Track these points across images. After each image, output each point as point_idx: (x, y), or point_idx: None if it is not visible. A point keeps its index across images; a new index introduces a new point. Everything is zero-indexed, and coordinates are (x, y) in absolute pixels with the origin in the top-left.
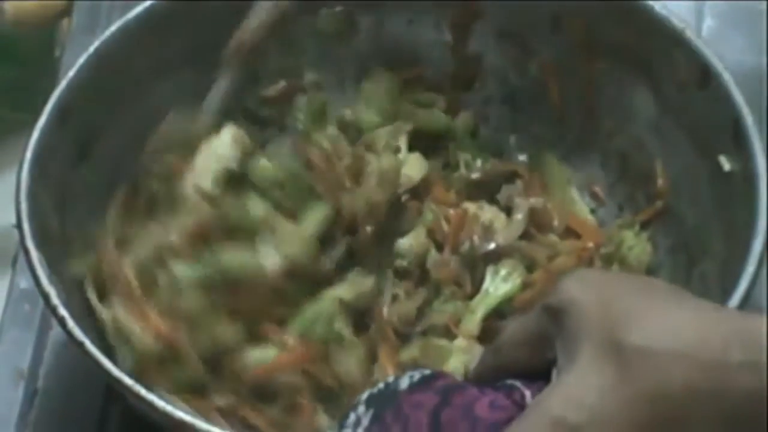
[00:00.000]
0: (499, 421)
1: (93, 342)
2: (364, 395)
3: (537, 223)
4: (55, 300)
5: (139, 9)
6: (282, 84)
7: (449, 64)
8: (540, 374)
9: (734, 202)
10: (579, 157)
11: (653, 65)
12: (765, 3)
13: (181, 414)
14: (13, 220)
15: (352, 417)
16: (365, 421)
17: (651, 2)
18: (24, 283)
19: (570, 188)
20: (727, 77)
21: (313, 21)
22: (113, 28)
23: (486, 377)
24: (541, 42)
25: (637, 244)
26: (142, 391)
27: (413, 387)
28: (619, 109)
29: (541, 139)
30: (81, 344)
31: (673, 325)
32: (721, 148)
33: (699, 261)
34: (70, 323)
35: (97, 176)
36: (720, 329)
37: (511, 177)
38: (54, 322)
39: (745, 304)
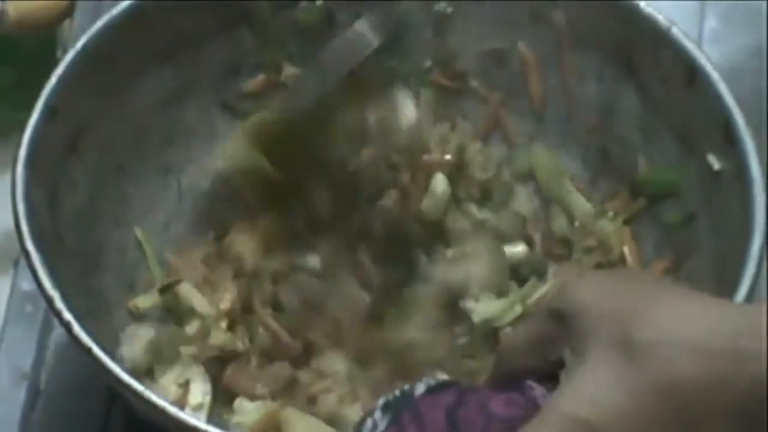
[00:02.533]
0: (515, 416)
1: (96, 342)
2: (380, 402)
3: None
4: (59, 304)
5: (124, 5)
6: (261, 78)
7: (429, 58)
8: (547, 375)
9: (725, 201)
10: (559, 152)
11: (637, 62)
12: (765, 4)
13: (186, 417)
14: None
15: (369, 423)
16: (382, 425)
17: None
18: (26, 284)
19: (565, 179)
20: (715, 76)
21: (292, 15)
22: (99, 23)
23: (497, 384)
24: (522, 36)
25: (614, 231)
26: (148, 394)
27: (429, 391)
28: (602, 105)
29: (522, 133)
30: (89, 349)
31: (682, 318)
32: (710, 146)
33: (686, 258)
34: (76, 327)
35: (85, 173)
36: (729, 320)
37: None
38: (56, 323)
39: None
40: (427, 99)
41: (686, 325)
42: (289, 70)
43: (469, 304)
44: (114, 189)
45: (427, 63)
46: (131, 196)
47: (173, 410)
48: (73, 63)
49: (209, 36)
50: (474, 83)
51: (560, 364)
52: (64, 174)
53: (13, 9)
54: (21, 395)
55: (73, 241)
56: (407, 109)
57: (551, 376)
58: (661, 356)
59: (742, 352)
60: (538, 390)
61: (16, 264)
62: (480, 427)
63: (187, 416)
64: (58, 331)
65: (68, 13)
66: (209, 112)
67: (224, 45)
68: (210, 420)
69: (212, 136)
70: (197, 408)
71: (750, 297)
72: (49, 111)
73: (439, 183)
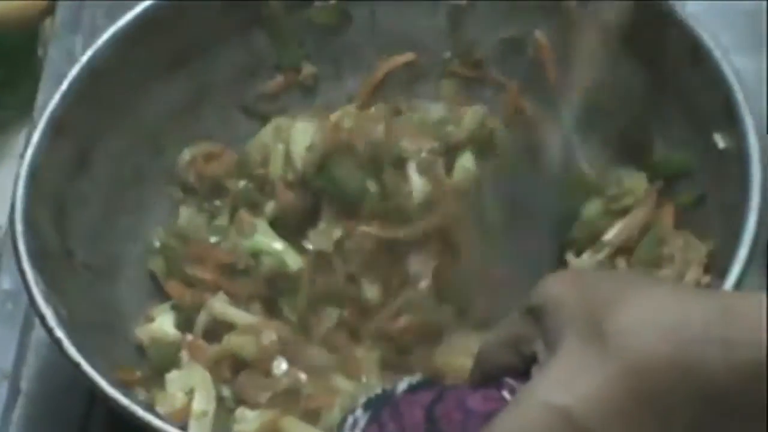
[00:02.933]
0: (493, 411)
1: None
2: (362, 399)
3: None
4: (51, 322)
5: (129, 15)
6: (279, 78)
7: (446, 50)
8: (524, 373)
9: (729, 181)
10: (578, 137)
11: (646, 43)
12: (756, 3)
13: (169, 428)
14: None
15: (350, 420)
16: (362, 422)
17: None
18: (7, 283)
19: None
20: (718, 54)
21: (307, 14)
22: (105, 36)
23: (475, 383)
24: (537, 23)
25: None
26: (134, 408)
27: (410, 389)
28: (616, 88)
29: (540, 119)
30: (77, 365)
31: (653, 306)
32: (716, 125)
33: (699, 240)
34: (66, 344)
35: (97, 186)
36: (700, 307)
37: None
38: (37, 323)
39: (739, 285)
40: (448, 89)
41: (657, 313)
42: (309, 69)
43: None
44: (131, 198)
45: (447, 54)
46: (150, 205)
47: (158, 422)
48: (78, 78)
49: (223, 40)
50: (493, 72)
51: (535, 360)
52: (72, 189)
53: None
54: (1, 394)
55: (85, 255)
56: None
57: (527, 373)
58: (635, 343)
59: (713, 340)
60: (515, 386)
61: None
62: (459, 422)
63: (171, 428)
64: (39, 331)
65: (49, 11)
66: (228, 115)
67: (239, 48)
68: (214, 429)
69: (233, 139)
70: (201, 416)
71: (741, 280)
72: (54, 128)
73: (467, 160)
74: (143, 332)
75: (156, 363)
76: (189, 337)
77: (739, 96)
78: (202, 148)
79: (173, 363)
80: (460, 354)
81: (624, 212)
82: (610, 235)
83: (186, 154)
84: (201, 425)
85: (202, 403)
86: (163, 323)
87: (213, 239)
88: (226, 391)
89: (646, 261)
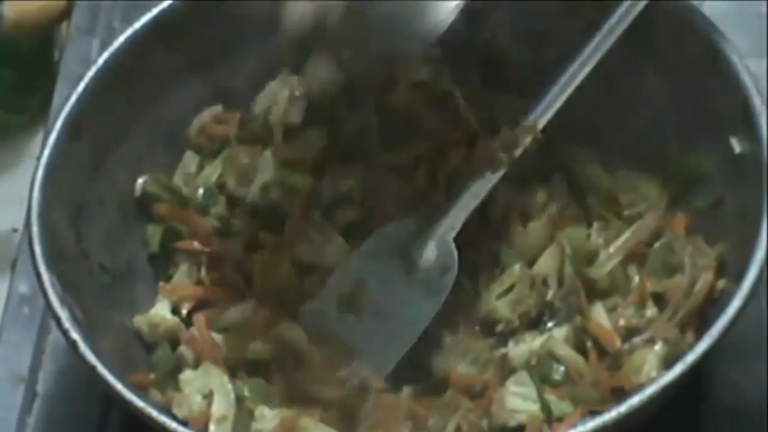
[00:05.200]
0: None
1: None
2: None
3: None
4: (67, 324)
5: (145, 18)
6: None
7: (464, 52)
8: None
9: (746, 185)
10: (595, 142)
11: (663, 46)
12: (765, 4)
13: None
14: (12, 223)
15: None
16: None
17: None
18: (23, 286)
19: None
20: (735, 58)
21: None
22: (121, 39)
23: None
24: (554, 25)
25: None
26: (154, 413)
27: None
28: (634, 92)
29: (558, 124)
30: (93, 368)
31: None
32: (733, 129)
33: (714, 244)
34: (82, 346)
35: (113, 188)
36: None
37: None
38: (53, 326)
39: (755, 290)
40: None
41: None
42: None
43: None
44: None
45: (466, 54)
46: None
47: (173, 425)
48: (94, 81)
49: (240, 43)
50: (511, 73)
51: None
52: (89, 192)
53: (9, 10)
54: (18, 398)
55: (101, 257)
56: None
57: None
58: None
59: None
60: None
61: (13, 266)
62: None
63: (187, 430)
64: (55, 334)
65: (65, 14)
66: None
67: (257, 51)
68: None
69: None
70: (221, 420)
71: (760, 279)
72: (70, 131)
73: None
74: (141, 320)
75: (154, 349)
76: (190, 331)
77: (756, 100)
78: (213, 111)
79: (173, 343)
80: (460, 360)
81: (637, 218)
82: (621, 241)
83: (197, 121)
84: (221, 430)
85: (222, 407)
86: (160, 309)
87: (201, 191)
88: (245, 391)
89: (657, 269)
